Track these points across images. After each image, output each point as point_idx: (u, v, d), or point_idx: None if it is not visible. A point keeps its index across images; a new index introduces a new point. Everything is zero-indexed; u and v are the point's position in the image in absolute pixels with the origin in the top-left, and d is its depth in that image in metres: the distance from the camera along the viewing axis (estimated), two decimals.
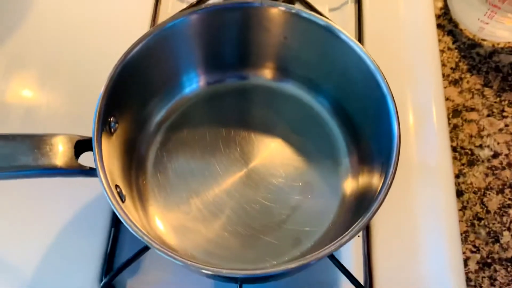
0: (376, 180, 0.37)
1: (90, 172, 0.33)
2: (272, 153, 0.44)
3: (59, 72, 0.52)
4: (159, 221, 0.41)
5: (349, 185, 0.42)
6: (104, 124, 0.35)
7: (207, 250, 0.40)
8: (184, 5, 0.56)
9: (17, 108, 0.50)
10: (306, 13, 0.38)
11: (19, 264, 0.43)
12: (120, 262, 0.42)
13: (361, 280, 0.43)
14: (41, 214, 0.45)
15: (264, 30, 0.41)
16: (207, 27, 0.41)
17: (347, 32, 0.48)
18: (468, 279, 0.44)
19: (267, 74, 0.46)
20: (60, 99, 0.51)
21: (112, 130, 0.37)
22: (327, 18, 0.48)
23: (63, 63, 0.53)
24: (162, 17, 0.55)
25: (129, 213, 0.34)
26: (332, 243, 0.32)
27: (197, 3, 0.50)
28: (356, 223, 0.32)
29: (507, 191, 0.48)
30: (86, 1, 0.57)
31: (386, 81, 0.36)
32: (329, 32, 0.38)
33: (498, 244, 0.46)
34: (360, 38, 0.53)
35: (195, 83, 0.45)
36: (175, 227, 0.41)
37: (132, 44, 0.37)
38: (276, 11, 0.39)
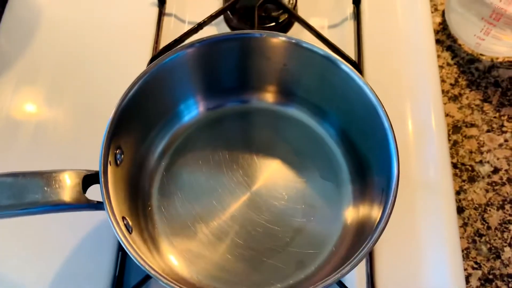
0: (376, 207, 0.38)
1: (98, 205, 0.34)
2: (274, 175, 0.45)
3: (67, 88, 0.53)
4: (165, 247, 0.41)
5: (351, 208, 0.43)
6: (110, 157, 0.36)
7: (213, 275, 0.41)
8: (186, 25, 0.57)
9: (27, 124, 0.51)
10: (306, 43, 0.39)
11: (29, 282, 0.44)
12: (128, 284, 0.43)
13: None
14: (50, 237, 0.46)
15: (265, 58, 0.42)
16: (208, 56, 0.41)
17: (348, 55, 0.49)
18: None
19: (269, 97, 0.47)
20: (68, 115, 0.52)
21: (118, 162, 0.38)
22: (327, 40, 0.50)
23: (71, 79, 0.54)
24: (164, 37, 0.56)
25: (136, 244, 0.36)
26: (334, 273, 0.33)
27: (198, 26, 0.51)
28: (357, 253, 0.33)
29: (507, 206, 0.48)
30: (91, 20, 0.58)
31: (387, 115, 0.36)
32: (330, 62, 0.39)
33: (499, 260, 0.46)
34: (359, 54, 0.54)
35: (196, 110, 0.46)
36: (181, 252, 0.41)
37: (135, 79, 0.38)
38: (277, 41, 0.40)
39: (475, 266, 0.46)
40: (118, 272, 0.44)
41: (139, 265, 0.33)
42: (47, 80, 0.54)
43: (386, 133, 0.35)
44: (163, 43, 0.54)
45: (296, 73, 0.43)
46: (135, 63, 0.54)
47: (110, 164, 0.36)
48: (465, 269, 0.46)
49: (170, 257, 0.41)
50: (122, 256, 0.44)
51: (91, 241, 0.45)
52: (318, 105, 0.44)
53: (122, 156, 0.39)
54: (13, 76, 0.54)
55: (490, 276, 0.46)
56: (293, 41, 0.39)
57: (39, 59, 0.55)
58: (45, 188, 0.33)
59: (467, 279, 0.46)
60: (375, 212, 0.37)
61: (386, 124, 0.36)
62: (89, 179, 0.35)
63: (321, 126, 0.45)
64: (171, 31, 0.56)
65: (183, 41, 0.51)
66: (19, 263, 0.45)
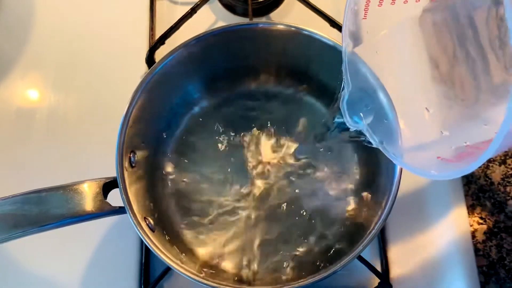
0: (383, 183, 0.39)
1: (120, 210, 0.36)
2: (282, 156, 0.47)
3: (72, 78, 0.54)
4: (186, 237, 0.44)
5: (359, 182, 0.45)
6: (125, 162, 0.38)
7: (235, 257, 0.43)
8: (178, 7, 0.57)
9: (38, 116, 0.53)
10: (306, 30, 0.39)
11: (63, 281, 0.47)
12: (155, 268, 0.46)
13: (377, 262, 0.46)
14: (78, 230, 0.48)
15: (264, 44, 0.42)
16: (208, 48, 0.42)
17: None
18: (476, 250, 0.47)
19: (274, 82, 0.48)
20: (76, 104, 0.53)
21: (133, 164, 0.39)
22: (322, 12, 0.50)
23: (74, 69, 0.55)
24: (159, 22, 0.55)
25: (159, 239, 0.38)
26: (350, 252, 0.35)
27: (192, 10, 0.51)
28: (369, 231, 0.36)
29: (509, 161, 0.50)
30: (85, 10, 0.58)
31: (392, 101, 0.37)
32: (328, 47, 0.39)
33: (503, 213, 0.49)
34: None
35: (200, 100, 0.47)
36: (201, 238, 0.44)
37: (139, 84, 0.39)
38: (273, 28, 0.40)
39: (480, 221, 0.49)
40: (144, 259, 0.46)
41: (163, 261, 0.35)
42: (51, 72, 0.55)
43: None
44: (158, 28, 0.54)
45: (296, 57, 0.43)
46: (133, 51, 0.54)
47: (126, 170, 0.37)
48: (471, 225, 0.48)
49: (192, 245, 0.43)
50: (146, 246, 0.47)
51: (118, 230, 0.47)
52: (325, 88, 0.45)
53: (136, 157, 0.40)
54: (18, 72, 0.55)
55: (495, 230, 0.48)
56: (293, 28, 0.39)
57: (40, 53, 0.56)
58: (69, 202, 0.34)
59: (473, 234, 0.48)
60: (382, 190, 0.39)
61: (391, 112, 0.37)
62: (108, 185, 0.37)
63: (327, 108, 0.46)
64: (165, 15, 0.56)
65: (178, 27, 0.51)
66: (49, 254, 0.47)
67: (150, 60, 0.51)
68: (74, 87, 0.54)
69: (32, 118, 0.52)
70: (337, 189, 0.45)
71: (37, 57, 0.55)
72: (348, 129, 0.35)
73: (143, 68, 0.53)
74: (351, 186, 0.45)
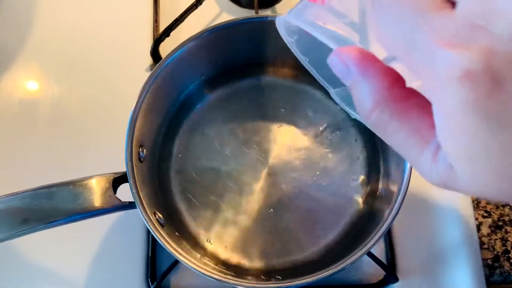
0: (393, 172, 0.39)
1: (130, 206, 0.36)
2: (289, 147, 0.47)
3: (75, 70, 0.54)
4: (194, 230, 0.44)
5: (366, 174, 0.45)
6: (134, 157, 0.37)
7: (243, 250, 0.43)
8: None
9: (44, 102, 0.52)
10: None
11: (70, 275, 0.47)
12: (161, 262, 0.46)
13: (383, 255, 0.46)
14: (85, 224, 0.47)
15: (271, 37, 0.42)
16: (216, 42, 0.41)
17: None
18: (481, 243, 0.48)
19: (280, 73, 0.47)
20: (79, 96, 0.53)
21: (142, 159, 0.39)
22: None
23: (77, 61, 0.54)
24: (163, 14, 0.55)
25: (166, 232, 0.38)
26: (358, 249, 0.35)
27: (197, 2, 0.50)
28: (380, 225, 0.36)
29: None
30: (88, 4, 0.57)
31: None
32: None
33: (508, 206, 0.49)
34: None
35: (207, 93, 0.47)
36: (209, 232, 0.44)
37: (147, 79, 0.39)
38: None
39: (485, 214, 0.49)
40: (151, 254, 0.46)
41: (174, 256, 0.35)
42: (54, 64, 0.54)
43: None
44: (162, 20, 0.54)
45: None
46: (137, 43, 0.54)
47: (136, 165, 0.37)
48: (476, 218, 0.48)
49: (202, 240, 0.43)
50: (153, 240, 0.47)
51: (125, 224, 0.47)
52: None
53: (145, 151, 0.40)
54: (20, 63, 0.54)
55: (500, 223, 0.48)
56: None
57: (42, 44, 0.55)
58: (78, 197, 0.34)
59: (478, 227, 0.48)
60: (392, 185, 0.39)
61: None
62: (118, 180, 0.37)
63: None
64: (169, 6, 0.56)
65: (183, 20, 0.50)
66: (56, 248, 0.47)
67: (155, 53, 0.51)
68: (78, 80, 0.53)
69: (36, 111, 0.52)
70: (347, 183, 0.45)
71: (39, 49, 0.55)
72: None
73: (148, 61, 0.52)
74: (361, 180, 0.45)
